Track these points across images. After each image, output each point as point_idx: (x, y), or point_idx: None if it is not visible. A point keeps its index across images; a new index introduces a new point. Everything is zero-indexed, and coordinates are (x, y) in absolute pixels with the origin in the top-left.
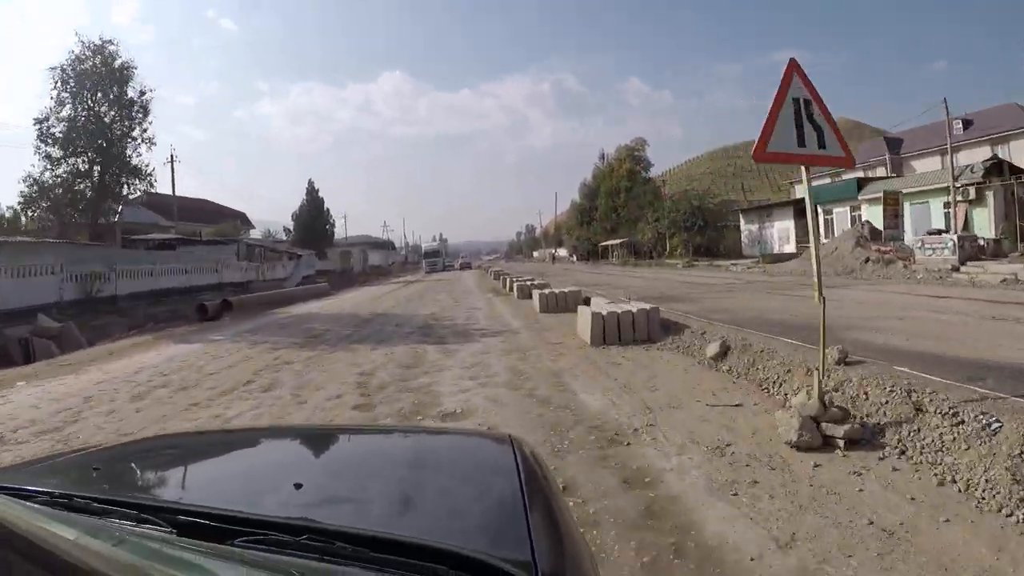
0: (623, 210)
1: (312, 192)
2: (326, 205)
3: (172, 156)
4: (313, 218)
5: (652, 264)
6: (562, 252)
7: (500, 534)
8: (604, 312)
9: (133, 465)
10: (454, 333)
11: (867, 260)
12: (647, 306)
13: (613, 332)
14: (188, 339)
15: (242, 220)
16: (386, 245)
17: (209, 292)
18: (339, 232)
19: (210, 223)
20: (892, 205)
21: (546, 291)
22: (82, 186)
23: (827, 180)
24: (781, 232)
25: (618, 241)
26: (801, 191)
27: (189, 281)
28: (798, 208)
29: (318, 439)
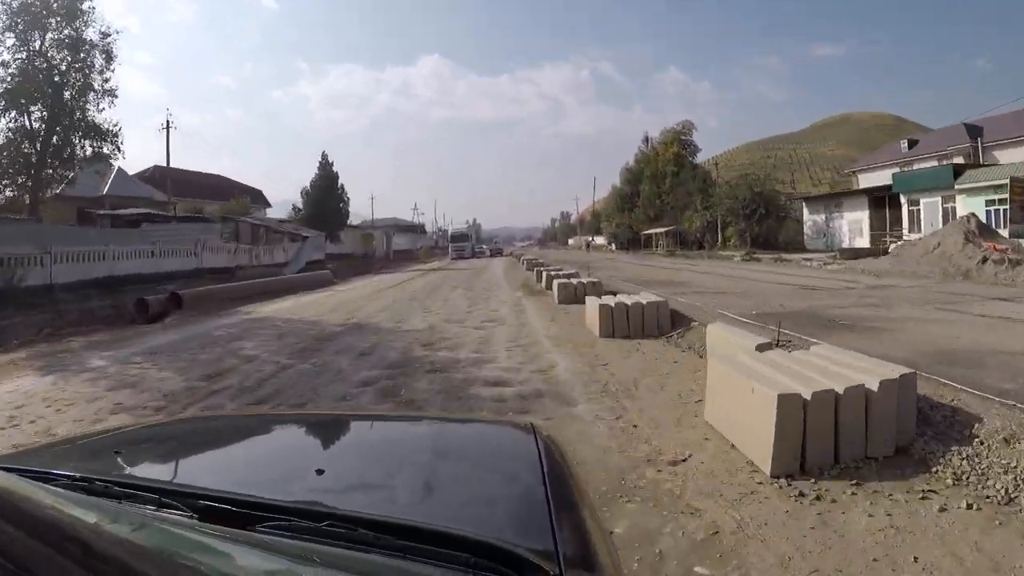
0: (668, 196)
1: (325, 166)
2: (340, 181)
3: (168, 122)
4: (326, 195)
5: (704, 256)
6: (599, 240)
7: (523, 523)
8: (805, 394)
9: (155, 448)
10: (444, 391)
11: (984, 260)
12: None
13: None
14: (59, 363)
15: (254, 198)
16: (415, 228)
17: (183, 280)
18: (365, 213)
19: (222, 199)
20: (1021, 195)
21: (611, 300)
22: (28, 149)
23: (931, 164)
24: (852, 224)
25: (663, 229)
26: (870, 180)
27: (159, 266)
28: (875, 198)
29: (339, 426)
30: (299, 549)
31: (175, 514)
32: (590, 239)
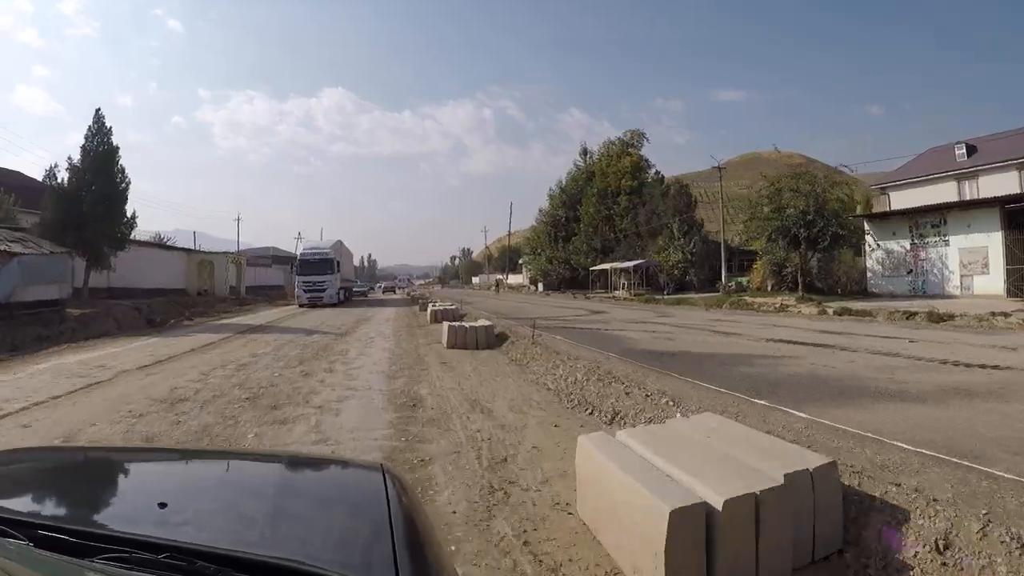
0: (624, 221)
1: (100, 134)
2: (121, 161)
3: None
4: (95, 183)
5: (723, 305)
6: (515, 279)
7: (365, 559)
8: None
9: None
10: None
11: None
12: None
13: None
14: None
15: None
16: (293, 260)
17: None
18: (229, 239)
19: None
20: None
21: None
22: None
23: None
24: (968, 255)
25: (624, 265)
26: (910, 199)
27: None
28: (1010, 210)
29: (187, 461)
30: None
31: (10, 542)
32: (503, 277)
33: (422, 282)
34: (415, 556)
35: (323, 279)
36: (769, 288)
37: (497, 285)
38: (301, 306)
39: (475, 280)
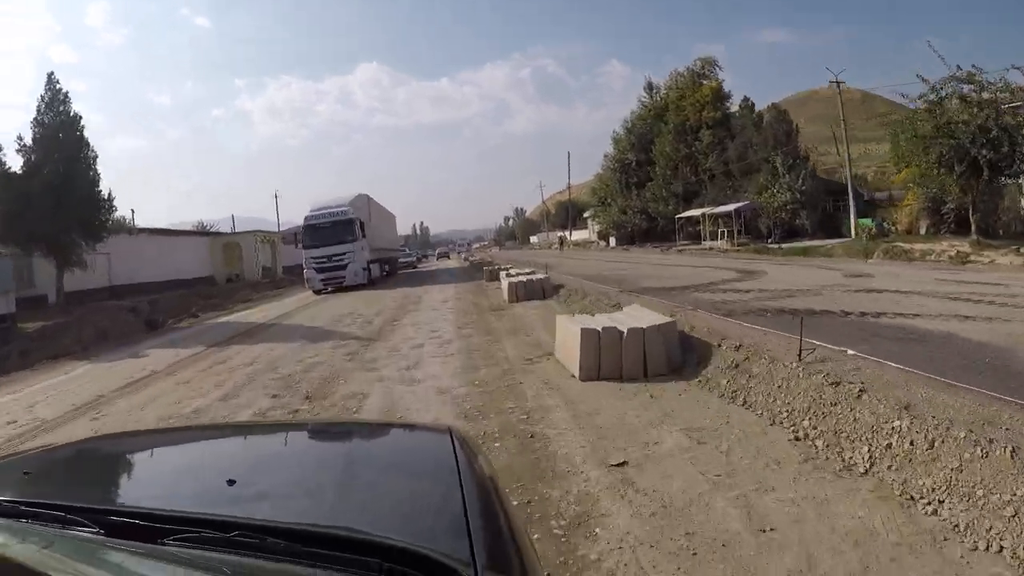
0: (709, 159)
1: (55, 102)
2: (83, 130)
3: None
4: (44, 168)
5: (871, 254)
6: (579, 235)
7: (437, 527)
8: None
9: (63, 468)
10: None
11: None
12: None
13: None
14: None
15: None
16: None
17: None
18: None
19: None
20: None
21: None
22: None
23: None
24: None
25: (721, 209)
26: None
27: None
28: None
29: (252, 436)
30: (208, 561)
31: (82, 531)
32: (566, 234)
33: (478, 245)
34: (488, 522)
35: (342, 251)
36: (923, 231)
37: (561, 242)
38: (317, 293)
39: (533, 239)
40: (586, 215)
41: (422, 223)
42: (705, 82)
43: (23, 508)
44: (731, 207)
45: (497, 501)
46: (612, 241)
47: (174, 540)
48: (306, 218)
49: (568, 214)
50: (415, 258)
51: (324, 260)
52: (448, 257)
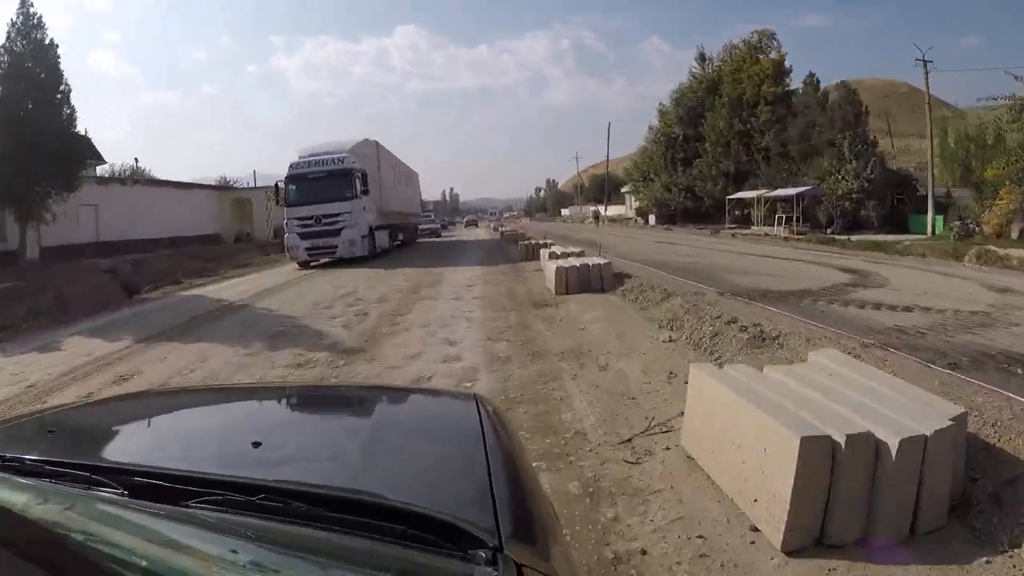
0: (765, 137)
1: (26, 44)
2: (57, 56)
3: None
4: (17, 97)
5: (963, 256)
6: (615, 211)
7: (461, 494)
8: None
9: (87, 428)
10: None
11: None
12: None
13: None
14: None
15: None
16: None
17: None
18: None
19: None
20: None
21: None
22: None
23: None
24: None
25: (783, 193)
26: None
27: None
28: None
29: (278, 399)
30: (231, 524)
31: (106, 492)
32: (602, 209)
33: (509, 215)
34: (513, 490)
35: (336, 211)
36: (1014, 235)
37: (596, 218)
38: (301, 266)
39: (564, 212)
40: (624, 190)
41: (452, 189)
42: (762, 56)
43: (46, 468)
44: (793, 191)
45: (522, 470)
46: (651, 219)
47: (198, 503)
48: (291, 166)
49: (604, 188)
50: (439, 225)
51: (311, 222)
52: (476, 225)
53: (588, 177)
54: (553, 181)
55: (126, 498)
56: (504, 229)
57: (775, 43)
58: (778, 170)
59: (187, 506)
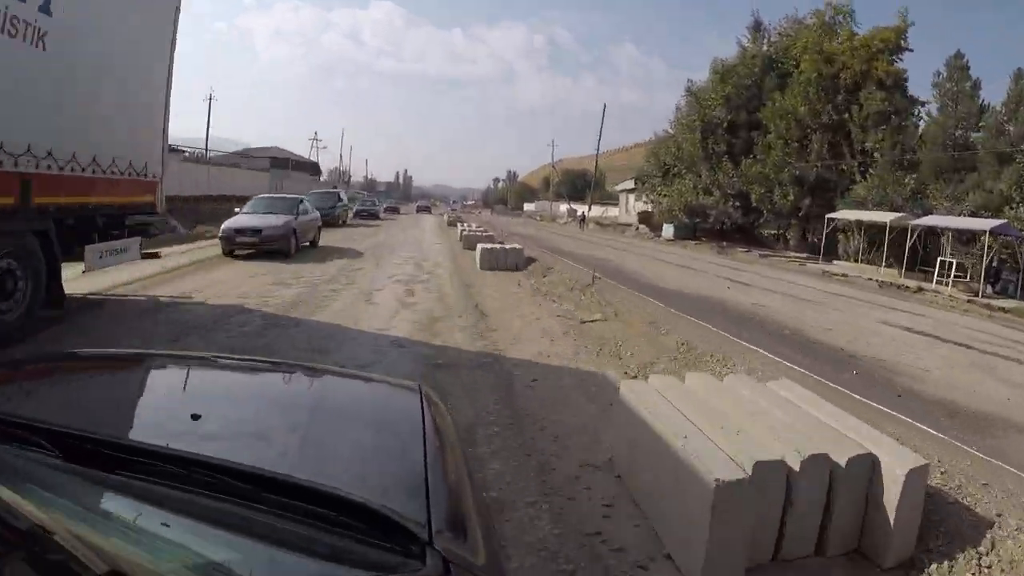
0: (868, 136)
1: None
2: None
3: None
4: None
5: None
6: (609, 213)
7: (396, 485)
8: None
9: (25, 387)
10: None
11: None
12: None
13: None
14: None
15: None
16: (302, 166)
17: None
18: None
19: None
20: None
21: None
22: None
23: None
24: None
25: (951, 223)
26: None
27: None
28: None
29: (221, 370)
30: (163, 496)
31: (39, 452)
32: (583, 209)
33: (466, 205)
34: (447, 484)
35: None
36: None
37: (582, 220)
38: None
39: (528, 207)
40: (620, 188)
41: (406, 171)
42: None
43: None
44: (981, 223)
45: (459, 464)
46: (666, 231)
47: (133, 472)
48: None
49: (581, 184)
50: (379, 208)
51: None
52: (429, 212)
53: (562, 172)
54: (513, 173)
55: (60, 460)
56: (470, 230)
57: (852, 22)
58: (892, 182)
59: (121, 474)
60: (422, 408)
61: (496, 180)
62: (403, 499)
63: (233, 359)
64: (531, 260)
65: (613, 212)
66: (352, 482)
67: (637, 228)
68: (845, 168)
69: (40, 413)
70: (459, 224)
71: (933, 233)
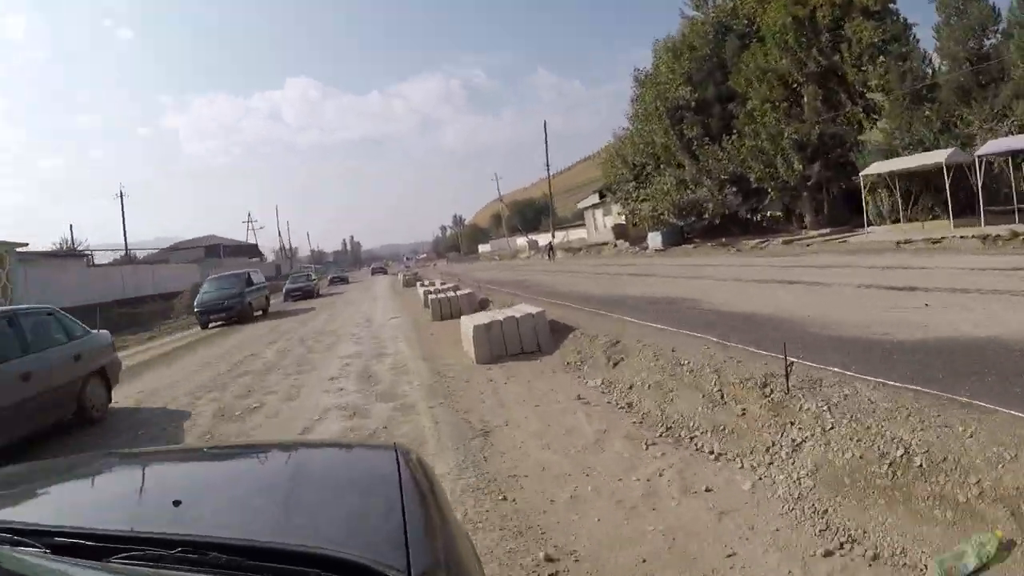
0: (868, 72)
1: None
2: None
3: None
4: None
5: None
6: (572, 236)
7: (376, 539)
8: None
9: (9, 489)
10: None
11: None
12: None
13: None
14: None
15: None
16: (239, 250)
17: None
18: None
19: None
20: None
21: None
22: None
23: None
24: None
25: None
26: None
27: None
28: None
29: (198, 459)
30: None
31: (28, 551)
32: (550, 239)
33: (419, 258)
34: (429, 533)
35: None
36: None
37: (551, 251)
38: None
39: (484, 248)
40: (583, 205)
41: (352, 237)
42: None
43: None
44: None
45: (441, 515)
46: (653, 240)
47: (120, 559)
48: None
49: (529, 215)
50: (313, 286)
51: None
52: (385, 273)
53: (495, 209)
54: (460, 217)
55: (48, 555)
56: (434, 291)
57: None
58: (915, 120)
59: (109, 562)
60: (398, 465)
61: (444, 228)
62: (384, 551)
63: (213, 447)
64: (556, 327)
65: (578, 234)
66: (333, 541)
67: (615, 245)
68: (848, 118)
69: (24, 513)
70: (419, 283)
71: (962, 169)
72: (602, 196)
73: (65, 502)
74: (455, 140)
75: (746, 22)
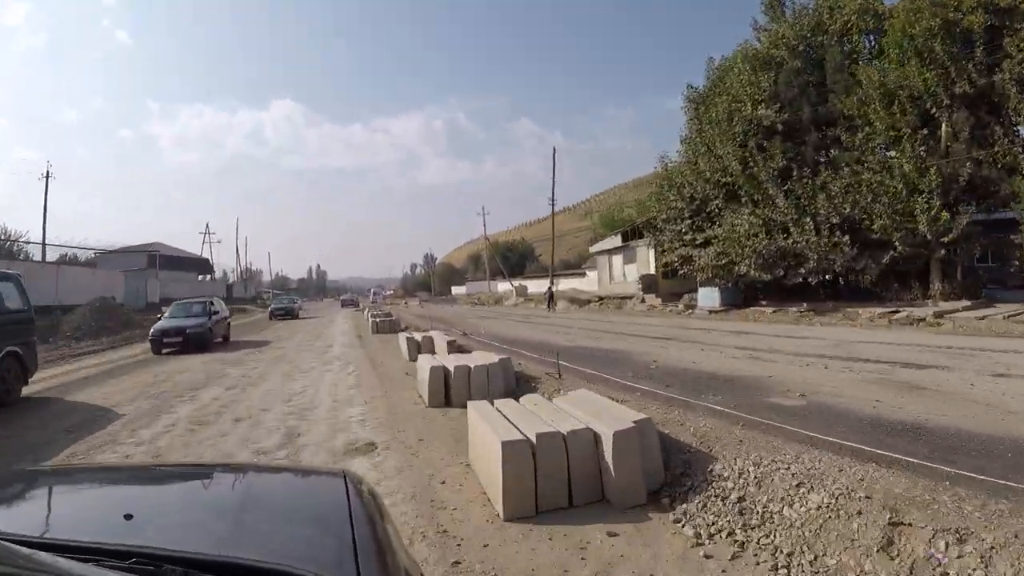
0: None
1: None
2: None
3: None
4: None
5: None
6: (573, 285)
7: (328, 561)
8: None
9: None
10: None
11: None
12: None
13: None
14: None
15: None
16: (187, 263)
17: None
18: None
19: None
20: None
21: None
22: None
23: None
24: None
25: None
26: None
27: None
28: None
29: (150, 476)
30: None
31: None
32: (548, 287)
33: (386, 294)
34: (378, 561)
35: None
36: None
37: (551, 299)
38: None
39: (458, 290)
40: (596, 249)
41: (318, 266)
42: None
43: None
44: None
45: (387, 541)
46: (706, 298)
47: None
48: None
49: (511, 259)
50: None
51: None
52: (356, 306)
53: (471, 250)
54: (431, 256)
55: None
56: (422, 336)
57: None
58: None
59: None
60: (347, 491)
61: (414, 266)
62: (336, 572)
63: (162, 465)
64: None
65: (571, 283)
66: (286, 558)
67: (642, 299)
68: (996, 158)
69: None
70: (404, 332)
71: None
72: (625, 239)
73: (13, 513)
74: (432, 178)
75: (835, 38)
